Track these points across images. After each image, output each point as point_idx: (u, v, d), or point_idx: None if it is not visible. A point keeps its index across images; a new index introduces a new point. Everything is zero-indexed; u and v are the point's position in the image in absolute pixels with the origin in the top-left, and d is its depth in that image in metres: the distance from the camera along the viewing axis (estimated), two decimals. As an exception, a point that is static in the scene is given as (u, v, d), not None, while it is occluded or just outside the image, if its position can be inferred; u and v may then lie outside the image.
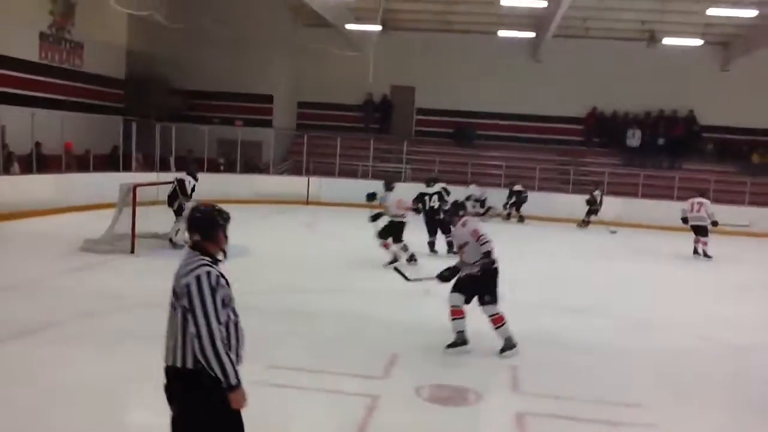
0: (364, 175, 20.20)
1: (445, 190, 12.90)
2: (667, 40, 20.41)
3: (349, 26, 20.81)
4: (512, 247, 14.49)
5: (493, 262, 6.36)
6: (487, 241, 6.30)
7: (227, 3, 20.39)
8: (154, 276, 9.34)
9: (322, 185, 20.02)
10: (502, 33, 20.94)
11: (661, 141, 22.02)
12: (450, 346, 6.39)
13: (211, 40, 20.31)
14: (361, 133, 22.60)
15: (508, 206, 18.83)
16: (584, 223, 18.07)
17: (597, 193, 18.09)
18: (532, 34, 21.34)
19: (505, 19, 20.47)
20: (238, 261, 10.22)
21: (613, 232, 16.82)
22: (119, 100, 21.14)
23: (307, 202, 19.49)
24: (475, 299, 6.43)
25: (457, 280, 6.55)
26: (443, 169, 19.88)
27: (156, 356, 5.55)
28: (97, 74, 19.94)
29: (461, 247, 6.58)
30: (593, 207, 17.93)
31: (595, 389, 5.78)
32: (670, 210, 17.77)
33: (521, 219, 18.60)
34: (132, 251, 10.29)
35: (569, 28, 20.31)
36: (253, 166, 20.88)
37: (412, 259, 10.78)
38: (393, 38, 22.08)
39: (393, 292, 8.95)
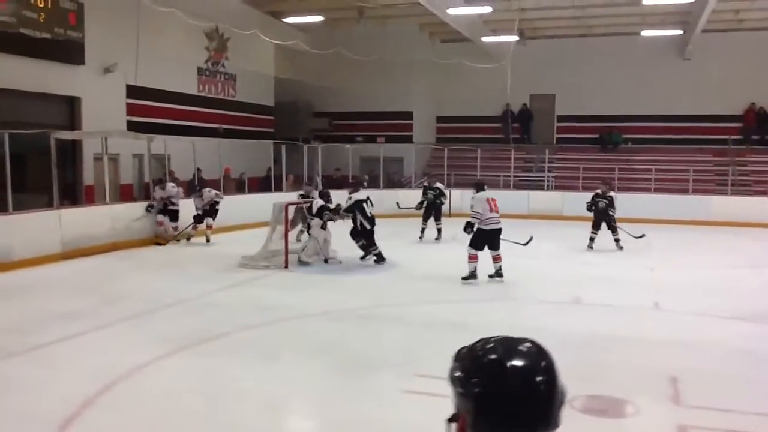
0: (506, 186, 20.01)
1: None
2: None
3: (485, 39, 20.82)
4: (669, 251, 13.95)
5: None
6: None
7: (364, 27, 21.07)
8: (307, 290, 9.89)
9: (464, 197, 20.02)
10: (646, 32, 20.07)
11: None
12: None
13: (351, 64, 21.07)
14: (502, 144, 22.45)
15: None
16: None
17: None
18: (679, 31, 20.28)
19: (649, 18, 19.62)
20: (384, 273, 10.59)
21: (639, 237, 13.57)
22: (270, 126, 22.40)
23: (450, 215, 19.58)
24: None
25: None
26: (587, 176, 19.35)
27: (311, 366, 5.86)
28: (249, 102, 21.28)
29: None
30: None
31: (764, 404, 5.39)
32: None
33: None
34: (285, 266, 10.82)
35: (720, 21, 19.16)
36: (395, 181, 21.34)
37: None
38: (530, 47, 21.81)
39: (539, 303, 8.84)
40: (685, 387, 5.67)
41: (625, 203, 18.44)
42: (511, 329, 5.97)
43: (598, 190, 13.75)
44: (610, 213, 13.38)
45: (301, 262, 11.06)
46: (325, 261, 11.26)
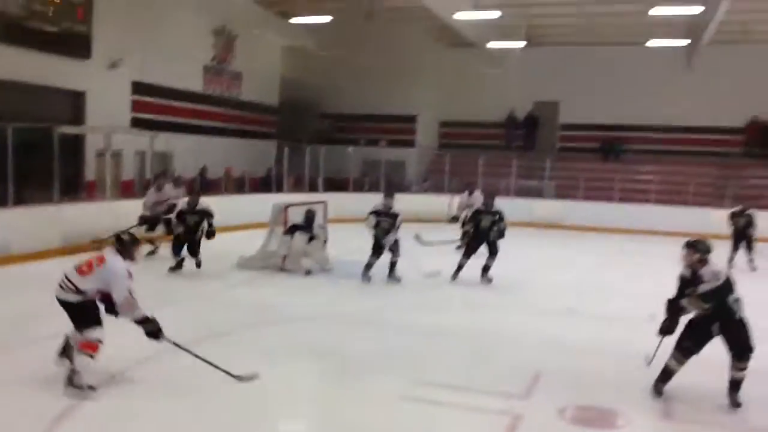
0: (507, 193, 20.01)
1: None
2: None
3: (491, 44, 20.85)
4: (667, 262, 13.92)
5: None
6: None
7: (371, 29, 21.11)
8: (305, 291, 9.93)
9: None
10: (652, 42, 20.09)
11: (835, 150, 20.16)
12: None
13: (357, 66, 21.12)
14: (504, 151, 22.46)
15: None
16: None
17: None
18: (685, 42, 20.31)
19: (656, 28, 19.62)
20: (378, 279, 10.61)
21: None
22: (273, 126, 22.45)
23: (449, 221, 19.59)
24: None
25: None
26: (589, 186, 19.37)
27: (309, 369, 5.91)
28: (254, 102, 21.33)
29: None
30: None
31: (753, 418, 5.42)
32: None
33: None
34: (282, 268, 10.83)
35: (727, 33, 19.15)
36: (396, 185, 21.34)
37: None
38: (536, 53, 21.83)
39: (533, 310, 8.88)
40: (675, 401, 5.70)
41: (625, 214, 18.63)
42: (506, 338, 6.03)
43: (735, 209, 13.08)
44: (750, 233, 12.59)
45: (307, 272, 10.69)
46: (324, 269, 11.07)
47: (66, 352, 5.49)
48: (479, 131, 23.41)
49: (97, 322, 5.38)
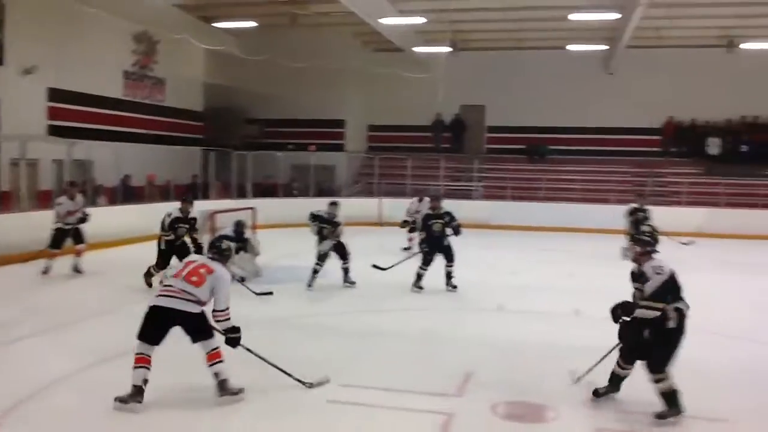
0: (437, 195, 20.19)
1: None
2: (747, 45, 19.68)
3: (417, 49, 21.04)
4: (590, 259, 14.36)
5: None
6: None
7: (297, 34, 20.98)
8: (234, 299, 9.67)
9: (393, 207, 20.14)
10: (572, 47, 20.69)
11: (744, 148, 21.18)
12: None
13: (284, 71, 20.92)
14: (432, 154, 22.68)
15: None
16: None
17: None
18: (603, 47, 21.00)
19: (576, 33, 20.22)
20: (315, 283, 10.50)
21: (686, 244, 15.22)
22: (199, 132, 21.99)
23: (381, 224, 19.65)
24: None
25: None
26: (516, 186, 19.77)
27: (239, 375, 5.76)
28: (178, 108, 20.84)
29: None
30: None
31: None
32: (755, 219, 17.24)
33: None
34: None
35: (642, 38, 19.89)
36: (326, 190, 21.25)
37: None
38: (462, 58, 22.14)
39: (464, 310, 8.97)
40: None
41: (551, 213, 19.12)
42: (437, 338, 6.03)
43: (634, 204, 13.68)
44: (647, 226, 12.99)
45: (238, 279, 10.45)
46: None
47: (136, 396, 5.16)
48: (407, 135, 23.56)
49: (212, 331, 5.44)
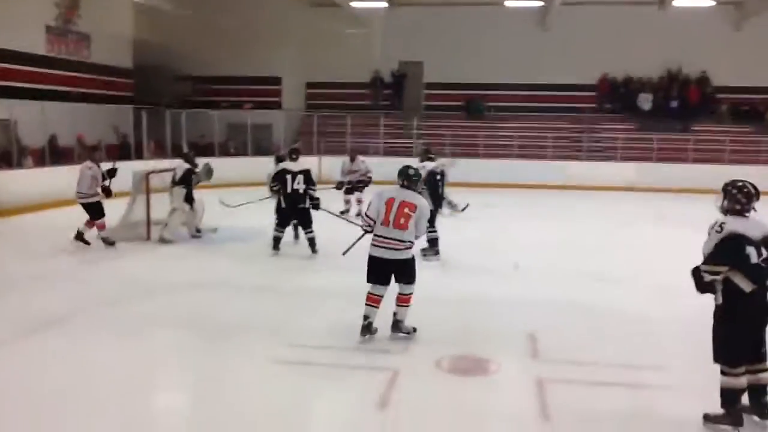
0: (376, 153, 20.11)
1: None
2: (678, 2, 20.06)
3: (354, 4, 20.67)
4: (529, 214, 14.61)
5: None
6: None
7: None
8: (172, 262, 9.50)
9: (334, 166, 19.96)
10: (509, 3, 20.68)
11: (674, 104, 21.76)
12: None
13: (217, 26, 20.27)
14: (371, 111, 22.49)
15: None
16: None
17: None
18: (539, 3, 21.05)
19: (512, -11, 20.21)
20: (254, 244, 10.36)
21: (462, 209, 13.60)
22: (128, 90, 21.16)
23: (320, 182, 19.45)
24: None
25: None
26: (455, 143, 19.83)
27: (180, 340, 5.64)
28: (105, 65, 19.94)
29: None
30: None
31: (617, 354, 5.77)
32: (686, 173, 17.84)
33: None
34: (147, 238, 10.33)
35: (577, -6, 20.04)
36: (263, 149, 20.85)
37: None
38: (399, 14, 21.87)
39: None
40: (543, 343, 5.95)
41: (490, 169, 19.29)
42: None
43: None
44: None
45: (163, 240, 10.31)
46: (194, 235, 10.71)
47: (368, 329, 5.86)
48: (346, 92, 23.26)
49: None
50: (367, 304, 5.89)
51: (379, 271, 5.85)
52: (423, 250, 9.35)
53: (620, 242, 11.30)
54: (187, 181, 10.50)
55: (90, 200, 9.86)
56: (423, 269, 8.78)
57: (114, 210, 10.52)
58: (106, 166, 10.25)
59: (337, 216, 10.64)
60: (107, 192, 10.02)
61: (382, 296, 5.90)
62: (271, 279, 8.45)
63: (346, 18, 21.39)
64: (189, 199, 10.56)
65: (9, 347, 5.70)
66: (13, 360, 5.49)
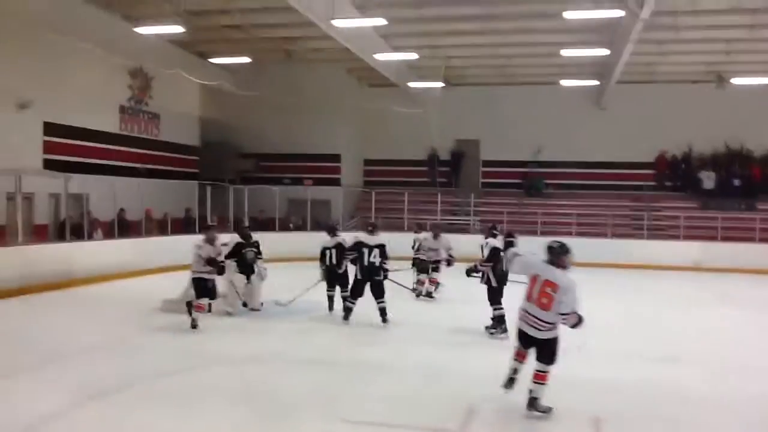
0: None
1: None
2: (736, 80, 19.93)
3: (411, 84, 21.25)
4: (590, 292, 14.22)
5: None
6: None
7: (292, 69, 21.16)
8: (233, 334, 9.60)
9: (392, 240, 20.03)
10: (565, 82, 20.91)
11: (736, 182, 21.33)
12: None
13: (279, 106, 21.07)
14: (428, 188, 22.72)
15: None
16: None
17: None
18: (595, 82, 21.22)
19: (567, 69, 20.45)
20: (311, 317, 10.41)
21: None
22: (194, 166, 22.00)
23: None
24: None
25: None
26: (512, 220, 19.77)
27: (236, 413, 5.64)
28: (173, 142, 20.87)
29: None
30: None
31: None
32: (752, 252, 17.28)
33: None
34: (209, 311, 10.48)
35: (633, 73, 20.12)
36: (322, 224, 21.15)
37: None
38: (455, 93, 22.34)
39: (467, 345, 8.85)
40: (608, 428, 5.74)
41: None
42: (433, 371, 5.90)
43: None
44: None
45: (227, 313, 10.52)
46: (253, 308, 10.78)
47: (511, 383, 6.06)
48: (403, 169, 23.65)
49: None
50: (514, 359, 6.08)
51: (525, 342, 6.00)
52: (487, 327, 9.26)
53: (687, 324, 10.93)
54: (236, 255, 10.67)
55: (195, 275, 9.72)
56: (483, 345, 8.72)
57: (178, 283, 10.79)
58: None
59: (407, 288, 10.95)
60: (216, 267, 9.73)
61: (528, 351, 6.01)
62: (326, 352, 8.42)
63: (403, 97, 21.97)
64: (244, 271, 10.72)
65: (65, 417, 5.74)
66: (69, 428, 5.53)
